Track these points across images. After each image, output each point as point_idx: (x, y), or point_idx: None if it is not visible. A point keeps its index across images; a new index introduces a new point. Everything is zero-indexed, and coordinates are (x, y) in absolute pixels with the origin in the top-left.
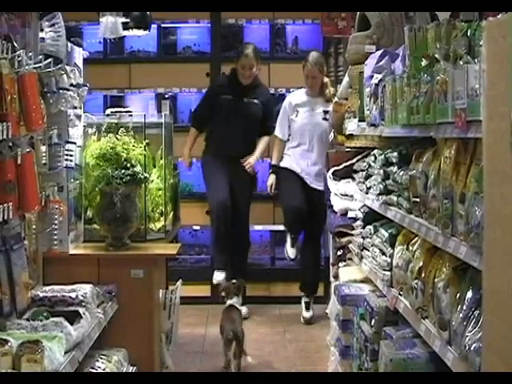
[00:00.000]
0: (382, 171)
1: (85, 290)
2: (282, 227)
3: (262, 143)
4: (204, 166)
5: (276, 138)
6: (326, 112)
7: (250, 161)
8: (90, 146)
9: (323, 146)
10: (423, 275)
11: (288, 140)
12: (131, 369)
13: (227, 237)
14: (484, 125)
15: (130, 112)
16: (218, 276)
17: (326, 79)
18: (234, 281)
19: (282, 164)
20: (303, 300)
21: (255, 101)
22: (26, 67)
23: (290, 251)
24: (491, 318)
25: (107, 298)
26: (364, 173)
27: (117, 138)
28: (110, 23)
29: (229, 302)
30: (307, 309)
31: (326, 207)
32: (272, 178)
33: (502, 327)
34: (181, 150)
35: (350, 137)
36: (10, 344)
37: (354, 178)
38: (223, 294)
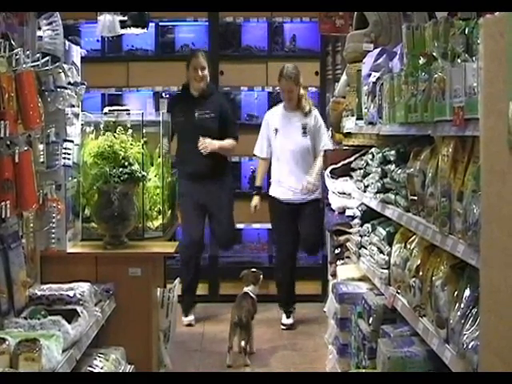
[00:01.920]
0: (379, 169)
1: (82, 288)
2: None
3: (225, 141)
4: (179, 189)
5: (257, 158)
6: (304, 128)
7: (207, 141)
8: (88, 144)
9: (307, 161)
10: (421, 273)
11: (268, 158)
12: (129, 367)
13: (195, 276)
14: (481, 123)
15: (128, 110)
16: (187, 320)
17: (302, 91)
18: (254, 269)
19: (271, 192)
20: (283, 309)
21: (207, 114)
22: (24, 65)
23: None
24: (489, 317)
25: (105, 296)
26: (362, 171)
27: (114, 137)
28: (108, 21)
29: (245, 289)
30: (288, 317)
31: (319, 219)
32: (255, 200)
33: (499, 326)
34: None
35: (348, 135)
36: (7, 342)
37: (351, 176)
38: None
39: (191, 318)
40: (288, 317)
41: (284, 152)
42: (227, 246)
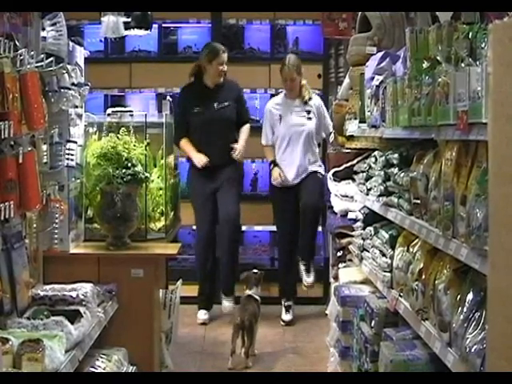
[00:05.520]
0: (382, 173)
1: (85, 289)
2: None
3: (243, 133)
4: (189, 181)
5: (263, 147)
6: (308, 112)
7: (238, 148)
8: (91, 145)
9: (311, 145)
10: (424, 277)
11: (274, 145)
12: (131, 368)
13: (211, 270)
14: (489, 126)
15: (131, 112)
16: (202, 315)
17: (303, 81)
18: (255, 271)
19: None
20: (284, 303)
21: (226, 103)
22: (28, 66)
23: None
24: (496, 320)
25: (107, 297)
26: (364, 174)
27: (118, 138)
28: (112, 23)
29: (247, 292)
30: (287, 311)
31: (320, 184)
32: (276, 170)
33: (507, 329)
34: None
35: (351, 138)
36: (10, 343)
37: (354, 179)
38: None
39: (206, 316)
40: (287, 311)
41: (291, 136)
42: (229, 230)
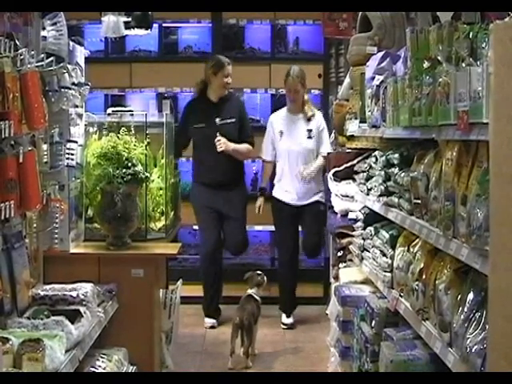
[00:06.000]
0: (383, 172)
1: (85, 288)
2: None
3: (242, 146)
4: (192, 197)
5: (264, 162)
6: (310, 131)
7: (224, 141)
8: (92, 144)
9: (311, 164)
10: (424, 277)
11: (274, 161)
12: (131, 368)
13: (216, 281)
14: (491, 126)
15: (132, 111)
16: (209, 322)
17: (306, 96)
18: (259, 272)
19: (274, 193)
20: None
21: (229, 120)
22: (28, 66)
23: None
24: (497, 320)
25: (108, 297)
26: (365, 174)
27: (118, 137)
28: (112, 22)
29: (249, 291)
30: (288, 316)
31: (322, 218)
32: (260, 201)
33: (508, 329)
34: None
35: (351, 138)
36: (11, 342)
37: (354, 179)
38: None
39: (213, 320)
40: (288, 316)
41: (289, 154)
42: (237, 253)
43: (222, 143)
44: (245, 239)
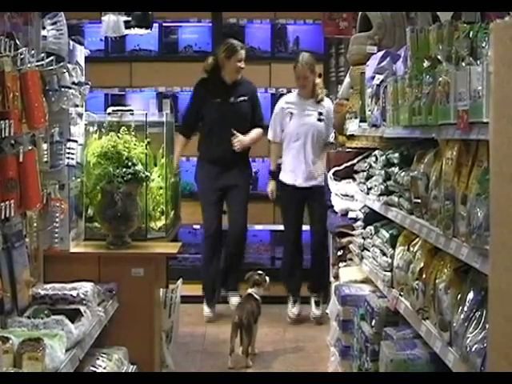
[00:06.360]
0: (383, 172)
1: (86, 288)
2: (281, 227)
3: (253, 132)
4: (198, 176)
5: (270, 143)
6: (320, 113)
7: (240, 139)
8: (92, 144)
9: (319, 146)
10: (424, 276)
11: (282, 142)
12: (131, 367)
13: (216, 265)
14: (491, 126)
15: (132, 111)
16: (207, 311)
17: (317, 80)
18: (260, 272)
19: (280, 177)
20: (313, 299)
21: (242, 98)
22: (29, 65)
23: (292, 310)
24: (497, 320)
25: (108, 296)
26: (365, 173)
27: (118, 137)
28: (112, 22)
29: (249, 290)
30: (317, 306)
31: (325, 204)
32: (272, 185)
33: (508, 329)
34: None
35: (351, 137)
36: (11, 342)
37: (354, 179)
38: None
39: (211, 314)
40: (317, 305)
41: (298, 135)
42: (236, 247)
43: (237, 142)
44: (244, 225)
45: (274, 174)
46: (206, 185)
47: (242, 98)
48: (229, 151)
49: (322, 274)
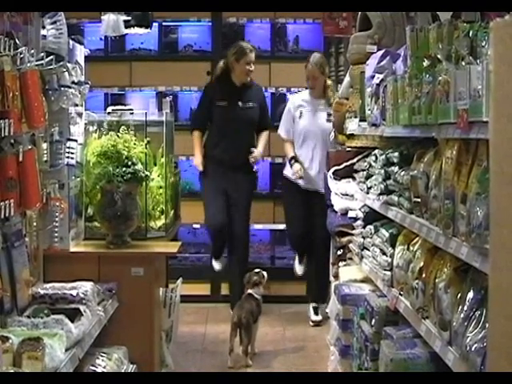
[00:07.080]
0: (382, 171)
1: (85, 287)
2: (281, 226)
3: (263, 138)
4: (202, 176)
5: (283, 141)
6: (329, 114)
7: (256, 155)
8: (91, 143)
9: (325, 148)
10: (424, 275)
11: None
12: (131, 367)
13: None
14: (491, 125)
15: (131, 110)
16: (216, 263)
17: (328, 82)
18: (257, 270)
19: (286, 172)
20: (311, 305)
21: (251, 104)
22: (28, 64)
23: (298, 268)
24: (496, 318)
25: (107, 295)
26: (365, 172)
27: (118, 136)
28: (112, 21)
29: (249, 290)
30: (316, 314)
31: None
32: (297, 166)
33: (508, 328)
34: (181, 149)
35: (351, 136)
36: (10, 341)
37: (354, 178)
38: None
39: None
40: (316, 313)
41: (306, 134)
42: (237, 250)
43: (254, 158)
44: (246, 232)
45: (294, 157)
46: (210, 181)
47: (250, 104)
48: (235, 156)
49: (323, 283)
